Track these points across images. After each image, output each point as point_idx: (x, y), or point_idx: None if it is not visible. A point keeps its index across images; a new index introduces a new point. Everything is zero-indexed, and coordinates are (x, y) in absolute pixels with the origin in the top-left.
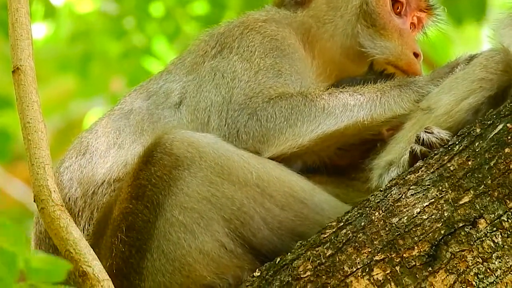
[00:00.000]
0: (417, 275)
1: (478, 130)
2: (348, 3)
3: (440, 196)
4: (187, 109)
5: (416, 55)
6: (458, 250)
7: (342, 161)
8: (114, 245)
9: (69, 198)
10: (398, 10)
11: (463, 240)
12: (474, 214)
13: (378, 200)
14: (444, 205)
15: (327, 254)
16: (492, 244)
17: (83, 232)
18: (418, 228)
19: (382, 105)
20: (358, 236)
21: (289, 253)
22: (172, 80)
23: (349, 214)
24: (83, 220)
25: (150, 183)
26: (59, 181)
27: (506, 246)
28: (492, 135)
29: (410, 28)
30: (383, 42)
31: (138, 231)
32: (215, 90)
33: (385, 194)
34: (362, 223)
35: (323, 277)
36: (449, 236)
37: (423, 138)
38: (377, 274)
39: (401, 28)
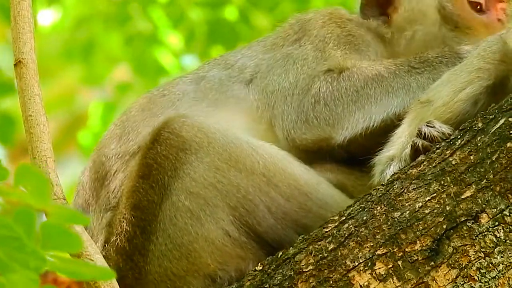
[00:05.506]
0: (419, 270)
1: (480, 125)
2: (426, 11)
3: (442, 190)
4: (256, 88)
5: None
6: (460, 244)
7: (367, 142)
8: (120, 223)
9: (114, 154)
10: (477, 8)
11: (465, 235)
12: (476, 209)
13: (380, 194)
14: (446, 200)
15: (329, 248)
16: (494, 238)
17: (112, 195)
18: (420, 222)
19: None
20: (360, 230)
21: (291, 247)
22: (249, 55)
23: (351, 208)
24: (113, 183)
25: (156, 162)
26: (113, 135)
27: (508, 241)
28: (494, 129)
29: (498, 21)
30: (470, 41)
31: (143, 211)
32: (284, 75)
33: (387, 188)
34: (364, 217)
35: (325, 271)
36: (451, 231)
37: (425, 132)
38: (379, 268)
39: (486, 23)
